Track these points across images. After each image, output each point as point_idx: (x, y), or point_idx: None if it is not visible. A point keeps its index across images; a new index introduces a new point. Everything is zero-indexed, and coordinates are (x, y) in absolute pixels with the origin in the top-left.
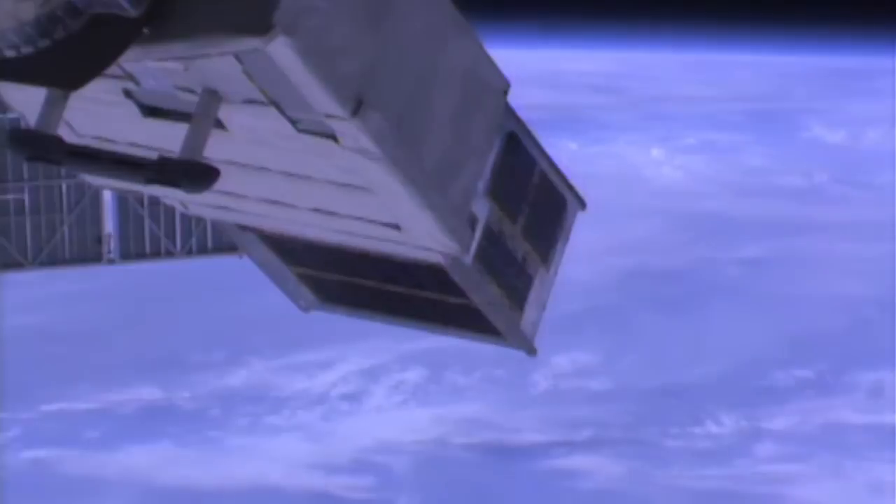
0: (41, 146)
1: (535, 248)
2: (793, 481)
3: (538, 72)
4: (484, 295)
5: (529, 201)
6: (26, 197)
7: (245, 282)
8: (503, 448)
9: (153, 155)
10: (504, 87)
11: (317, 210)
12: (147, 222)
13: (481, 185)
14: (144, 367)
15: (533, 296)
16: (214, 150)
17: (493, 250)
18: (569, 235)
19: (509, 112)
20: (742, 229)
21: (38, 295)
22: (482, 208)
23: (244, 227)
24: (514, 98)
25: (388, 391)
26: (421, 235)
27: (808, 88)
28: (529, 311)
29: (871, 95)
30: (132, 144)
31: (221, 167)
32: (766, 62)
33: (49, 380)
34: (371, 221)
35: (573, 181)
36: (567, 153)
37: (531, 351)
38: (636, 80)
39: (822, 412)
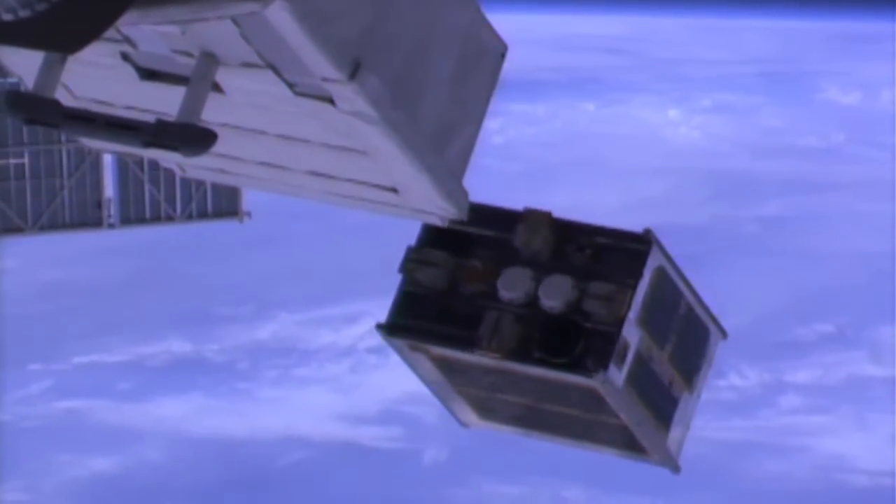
0: (39, 109)
1: (680, 373)
2: (816, 433)
3: (552, 35)
4: (633, 415)
5: (676, 330)
6: (26, 161)
7: (256, 242)
8: None
9: (151, 118)
10: (502, 49)
11: (313, 173)
12: (147, 187)
13: (633, 315)
14: (172, 321)
15: (678, 417)
16: (212, 113)
17: (643, 374)
18: (711, 362)
19: (659, 248)
20: (761, 188)
21: (59, 252)
22: (634, 335)
23: (416, 349)
24: (532, 60)
25: None
26: (418, 199)
27: (821, 52)
28: (674, 431)
29: (883, 59)
30: (130, 108)
31: (219, 130)
32: (777, 27)
33: (80, 333)
34: (368, 185)
35: (714, 312)
36: (584, 114)
37: (675, 468)
38: (650, 43)
39: (844, 365)
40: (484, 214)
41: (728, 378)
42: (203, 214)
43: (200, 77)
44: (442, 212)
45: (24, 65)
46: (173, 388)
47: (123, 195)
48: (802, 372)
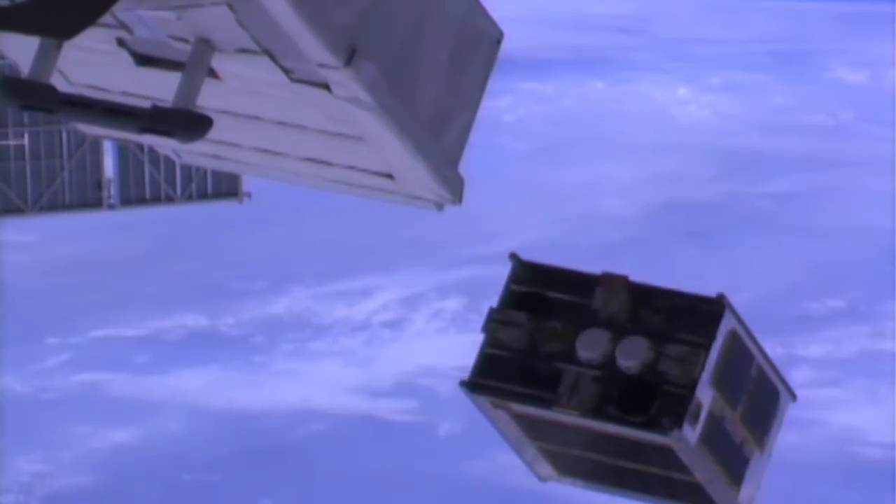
0: (34, 95)
1: (751, 433)
2: (829, 406)
3: (561, 14)
4: (706, 473)
5: (747, 391)
6: (26, 142)
7: (263, 221)
8: None
9: (147, 104)
10: (497, 36)
11: (309, 159)
12: (147, 168)
13: (707, 376)
14: (187, 296)
15: (749, 475)
16: (208, 98)
17: (716, 433)
18: (781, 423)
19: (732, 313)
20: (771, 164)
21: (73, 228)
22: (707, 395)
23: (497, 405)
24: (541, 40)
25: (428, 319)
26: (414, 185)
27: (829, 31)
28: (745, 489)
29: (890, 39)
30: (125, 93)
31: (215, 116)
32: (785, 6)
33: (96, 307)
34: (364, 171)
35: (783, 373)
36: (594, 92)
37: None
38: (658, 22)
39: (856, 340)
40: (562, 277)
41: None
42: (203, 195)
43: (196, 63)
44: (437, 198)
45: (21, 50)
46: (190, 362)
47: (123, 176)
48: (814, 346)
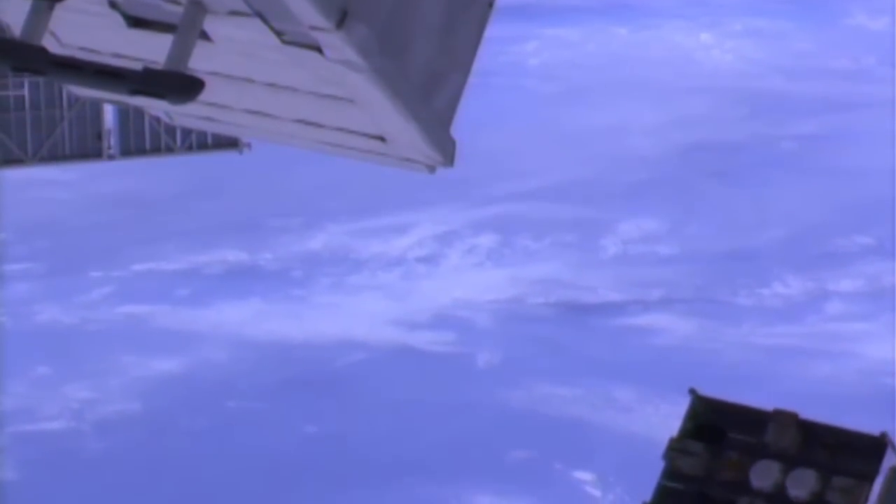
0: (25, 56)
1: None
2: (860, 339)
3: None
4: None
5: None
6: (26, 93)
7: (287, 162)
8: (578, 306)
9: (138, 66)
10: None
11: (301, 121)
12: (147, 118)
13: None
14: (226, 232)
15: None
16: (199, 61)
17: None
18: None
19: (893, 449)
20: (795, 107)
21: (113, 166)
22: None
23: None
24: None
25: (463, 254)
26: (406, 147)
27: None
28: None
29: None
30: (117, 55)
31: (207, 78)
32: None
33: (136, 242)
34: (355, 133)
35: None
36: (617, 38)
37: None
38: None
39: (885, 275)
40: (736, 412)
41: (773, 287)
42: (203, 146)
43: (188, 25)
44: (429, 160)
45: (12, 12)
46: (231, 295)
47: (123, 126)
48: (845, 281)
